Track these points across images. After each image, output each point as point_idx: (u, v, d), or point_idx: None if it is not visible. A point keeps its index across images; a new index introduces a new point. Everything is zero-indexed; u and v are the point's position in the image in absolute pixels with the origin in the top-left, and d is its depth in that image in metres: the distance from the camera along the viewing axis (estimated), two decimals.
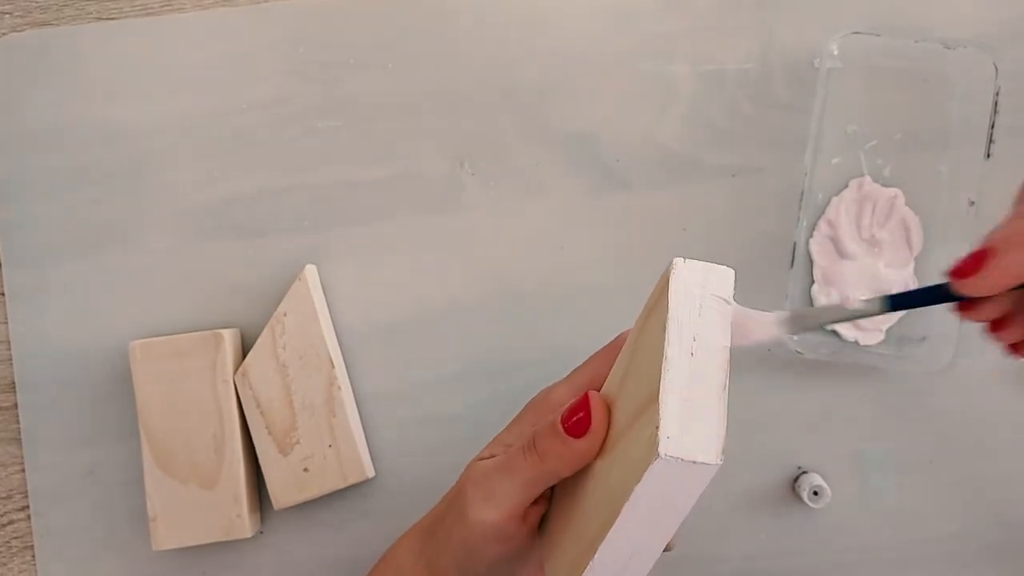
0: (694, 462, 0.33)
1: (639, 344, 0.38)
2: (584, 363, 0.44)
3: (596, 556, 0.36)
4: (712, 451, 0.33)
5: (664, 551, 0.39)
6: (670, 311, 0.35)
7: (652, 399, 0.34)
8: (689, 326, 0.35)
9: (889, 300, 0.38)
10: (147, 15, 0.58)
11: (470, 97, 0.58)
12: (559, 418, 0.38)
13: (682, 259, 0.36)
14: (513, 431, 0.44)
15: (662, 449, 0.32)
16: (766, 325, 0.37)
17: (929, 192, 0.56)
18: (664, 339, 0.34)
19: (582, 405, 0.38)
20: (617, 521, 0.35)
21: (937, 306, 0.55)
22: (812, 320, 0.39)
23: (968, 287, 0.36)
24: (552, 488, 0.42)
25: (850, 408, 0.57)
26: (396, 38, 0.58)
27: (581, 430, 0.38)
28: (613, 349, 0.43)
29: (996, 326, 0.39)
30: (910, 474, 0.57)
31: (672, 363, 0.34)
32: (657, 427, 0.33)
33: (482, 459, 0.42)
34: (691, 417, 0.33)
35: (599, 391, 0.41)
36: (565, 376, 0.45)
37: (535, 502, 0.41)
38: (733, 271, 0.37)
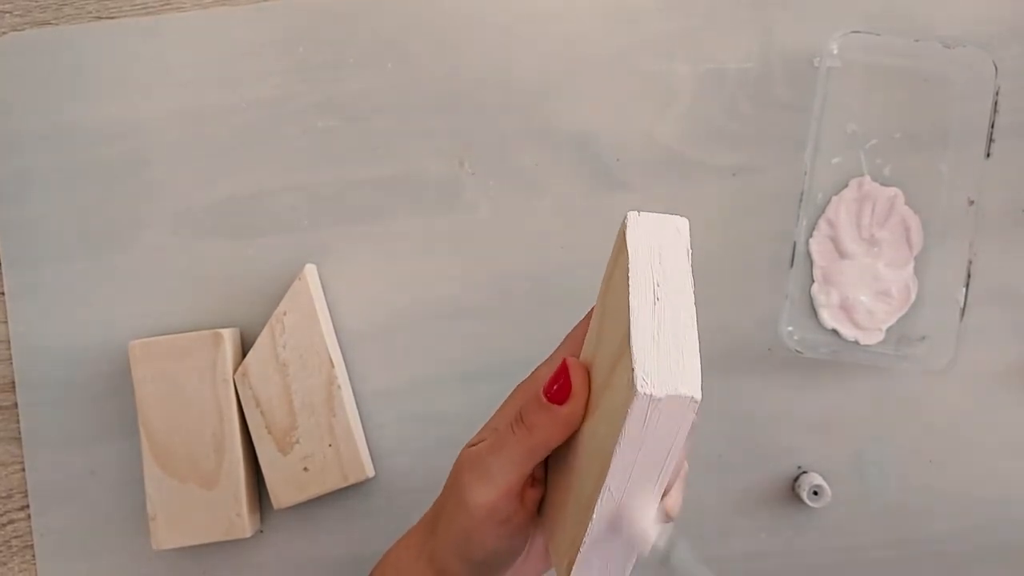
0: (675, 396, 0.33)
1: (607, 304, 0.39)
2: (562, 342, 0.45)
3: (594, 514, 0.36)
4: (690, 383, 0.34)
5: (666, 521, 0.40)
6: (630, 261, 0.36)
7: (624, 346, 0.34)
8: (650, 273, 0.36)
9: None
10: (147, 14, 0.58)
11: (470, 97, 0.58)
12: (542, 389, 0.39)
13: (636, 212, 0.37)
14: (501, 415, 0.44)
15: (639, 387, 0.33)
16: (645, 533, 0.37)
17: (929, 192, 0.56)
18: (628, 290, 0.35)
19: (561, 372, 0.39)
20: (609, 472, 0.35)
21: (937, 305, 0.55)
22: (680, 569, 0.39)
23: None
24: (547, 472, 0.43)
25: (850, 408, 0.57)
26: (396, 38, 0.58)
27: (564, 396, 0.38)
28: (587, 322, 0.44)
29: None
30: (910, 474, 0.57)
31: (638, 309, 0.35)
32: (632, 369, 0.33)
33: (472, 445, 0.43)
34: (664, 355, 0.34)
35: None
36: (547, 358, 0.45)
37: (532, 485, 0.42)
38: (687, 220, 0.38)
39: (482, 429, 0.44)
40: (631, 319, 0.35)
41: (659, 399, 0.33)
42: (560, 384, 0.39)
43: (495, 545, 0.41)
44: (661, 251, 0.36)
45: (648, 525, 0.37)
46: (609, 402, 0.36)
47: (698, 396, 0.34)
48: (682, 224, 0.37)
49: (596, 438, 0.37)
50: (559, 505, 0.41)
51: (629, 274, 0.36)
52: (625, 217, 0.37)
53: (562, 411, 0.38)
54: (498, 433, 0.41)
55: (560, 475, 0.41)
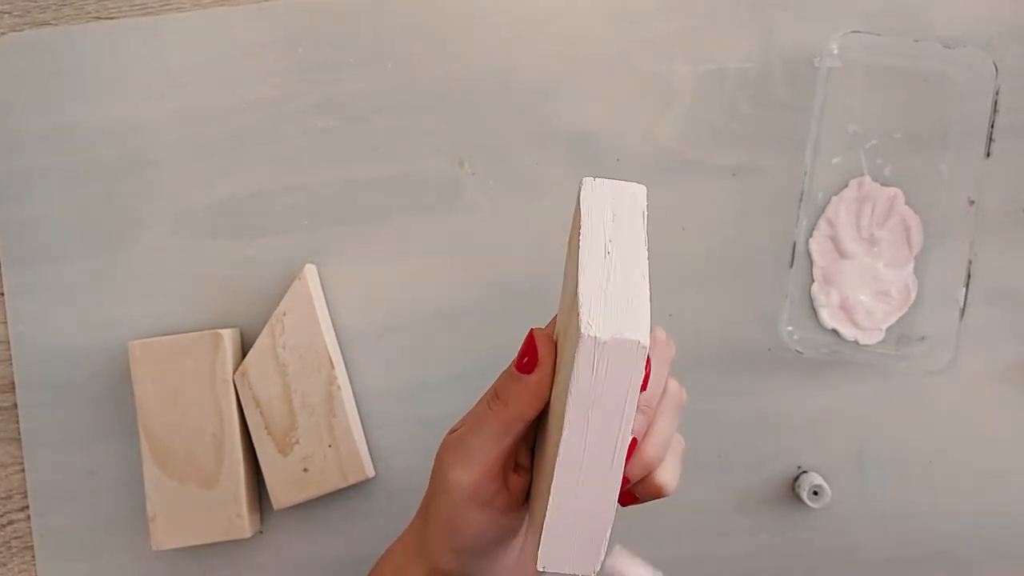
0: (620, 339, 0.33)
1: (567, 277, 0.39)
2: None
3: (555, 478, 0.36)
4: (637, 329, 0.33)
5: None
6: (583, 221, 0.36)
7: (575, 300, 0.34)
8: (602, 231, 0.36)
9: None
10: (146, 14, 0.58)
11: (470, 97, 0.58)
12: (512, 363, 0.40)
13: (592, 178, 0.37)
14: (481, 401, 0.44)
15: (583, 329, 0.33)
16: None
17: (929, 192, 0.56)
18: (580, 249, 0.35)
19: (528, 343, 0.40)
20: (564, 426, 0.35)
21: (937, 305, 0.55)
22: None
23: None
24: (532, 460, 0.43)
25: (850, 408, 0.57)
26: (396, 38, 0.58)
27: (532, 365, 0.39)
28: None
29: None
30: (910, 474, 0.57)
31: (587, 260, 0.35)
32: (578, 315, 0.33)
33: (454, 431, 0.43)
34: (612, 304, 0.34)
35: None
36: None
37: (515, 471, 0.42)
38: (644, 187, 0.38)
39: (464, 417, 0.45)
40: (579, 269, 0.35)
41: (604, 342, 0.33)
42: (529, 355, 0.39)
43: (479, 528, 0.41)
44: (615, 212, 0.37)
45: (613, 482, 0.37)
46: (566, 360, 0.36)
47: (645, 342, 0.33)
48: (639, 190, 0.38)
49: (559, 400, 0.37)
50: (540, 489, 0.41)
51: (580, 232, 0.36)
52: (581, 182, 0.37)
53: (531, 380, 0.39)
54: (476, 414, 0.41)
55: (540, 460, 0.41)
